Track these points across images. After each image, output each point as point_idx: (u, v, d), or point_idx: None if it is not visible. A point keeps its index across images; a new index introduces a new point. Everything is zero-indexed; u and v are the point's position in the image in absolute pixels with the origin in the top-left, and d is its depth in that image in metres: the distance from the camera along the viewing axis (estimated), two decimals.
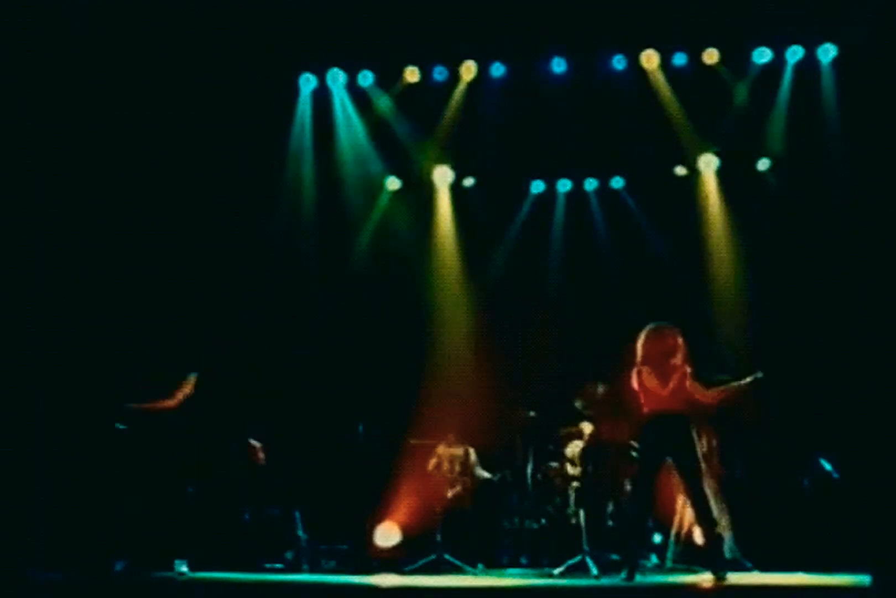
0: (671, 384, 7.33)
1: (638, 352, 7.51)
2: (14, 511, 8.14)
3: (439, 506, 8.53)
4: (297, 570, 8.48)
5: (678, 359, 7.41)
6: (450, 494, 8.73)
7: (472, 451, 9.24)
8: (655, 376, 7.38)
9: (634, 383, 7.48)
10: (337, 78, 9.96)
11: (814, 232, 9.52)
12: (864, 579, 6.23)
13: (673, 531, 8.23)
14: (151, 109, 9.27)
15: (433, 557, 8.20)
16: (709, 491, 7.72)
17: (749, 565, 7.94)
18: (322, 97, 10.12)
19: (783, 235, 9.66)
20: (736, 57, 9.60)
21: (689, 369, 7.40)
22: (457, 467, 9.03)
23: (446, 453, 9.13)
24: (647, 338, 7.51)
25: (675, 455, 7.30)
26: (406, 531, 8.74)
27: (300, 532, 8.81)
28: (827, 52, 9.48)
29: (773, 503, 8.56)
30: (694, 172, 10.12)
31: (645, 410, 7.42)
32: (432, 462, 9.10)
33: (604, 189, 10.37)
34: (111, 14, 8.85)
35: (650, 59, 9.67)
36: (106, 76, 9.03)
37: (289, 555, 8.64)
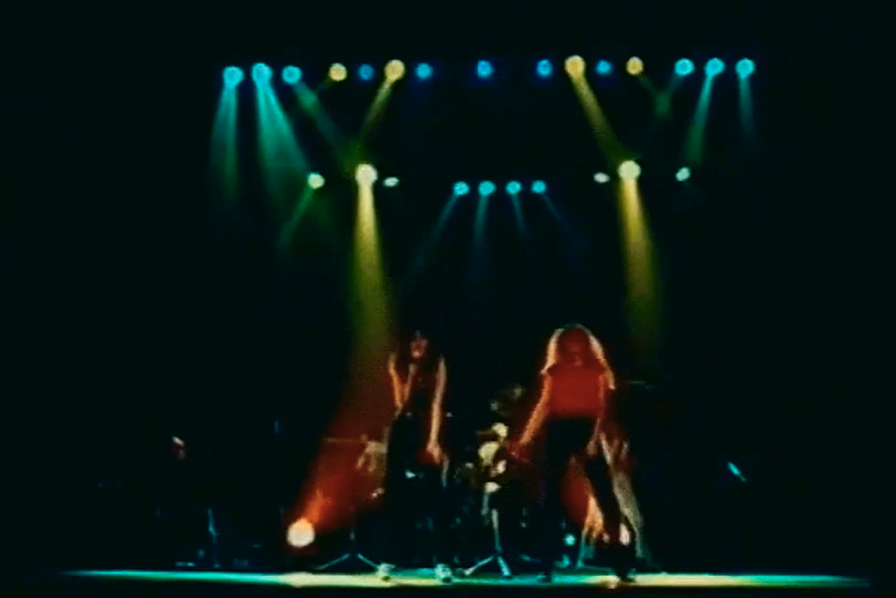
0: (590, 385, 7.37)
1: (553, 352, 7.53)
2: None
3: (354, 506, 8.54)
4: (209, 568, 8.44)
5: (601, 359, 7.48)
6: (374, 495, 8.52)
7: None
8: (573, 376, 7.41)
9: (547, 383, 7.48)
10: (262, 73, 9.88)
11: (730, 240, 9.75)
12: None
13: (584, 533, 8.35)
14: (71, 98, 9.11)
15: (346, 556, 8.22)
16: (621, 491, 7.86)
17: (658, 566, 8.09)
18: (247, 92, 10.03)
19: (700, 243, 9.85)
20: (659, 68, 9.78)
21: (609, 373, 7.49)
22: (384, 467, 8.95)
23: (376, 452, 9.00)
24: (568, 337, 7.51)
25: (581, 456, 7.38)
26: (319, 530, 8.72)
27: (212, 530, 8.76)
28: (745, 68, 9.70)
29: (686, 505, 8.73)
30: (615, 179, 10.26)
31: (553, 409, 7.43)
32: (360, 461, 9.00)
33: (526, 193, 10.47)
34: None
35: (576, 65, 9.78)
36: (24, 66, 8.85)
37: (201, 553, 8.60)
